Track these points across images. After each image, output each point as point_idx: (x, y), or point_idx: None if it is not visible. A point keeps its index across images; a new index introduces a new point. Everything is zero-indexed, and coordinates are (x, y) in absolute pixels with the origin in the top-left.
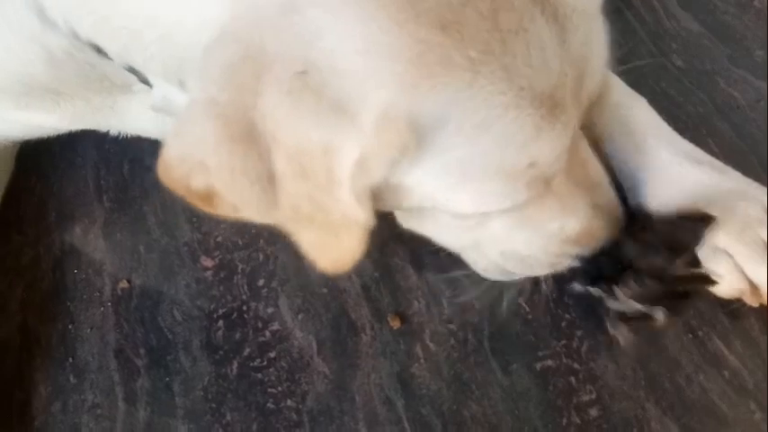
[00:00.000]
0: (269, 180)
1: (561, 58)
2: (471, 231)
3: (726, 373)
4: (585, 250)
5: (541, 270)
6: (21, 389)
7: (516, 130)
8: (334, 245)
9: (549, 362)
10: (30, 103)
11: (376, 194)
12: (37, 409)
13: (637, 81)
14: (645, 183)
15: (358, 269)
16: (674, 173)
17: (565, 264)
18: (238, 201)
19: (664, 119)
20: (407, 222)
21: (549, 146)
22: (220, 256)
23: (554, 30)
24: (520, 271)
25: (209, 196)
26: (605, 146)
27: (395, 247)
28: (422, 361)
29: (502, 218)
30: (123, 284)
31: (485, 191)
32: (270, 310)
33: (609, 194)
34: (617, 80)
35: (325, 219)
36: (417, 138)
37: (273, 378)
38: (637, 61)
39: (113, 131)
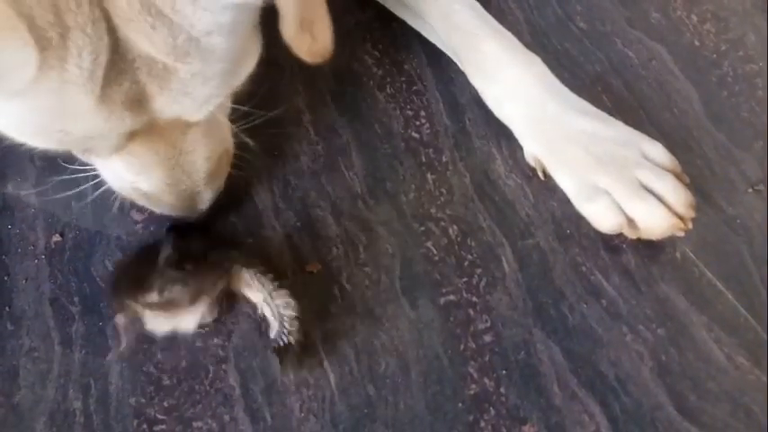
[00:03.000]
0: None
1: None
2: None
3: (604, 301)
4: (162, 209)
5: (133, 199)
6: None
7: (56, 104)
8: None
9: (452, 297)
10: None
11: None
12: None
13: (540, 41)
14: None
15: (282, 219)
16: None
17: (154, 208)
18: None
19: (563, 77)
20: None
21: (83, 127)
22: (149, 211)
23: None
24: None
25: None
26: None
27: (316, 198)
28: (339, 300)
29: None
30: (56, 238)
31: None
32: None
33: (193, 190)
34: None
35: None
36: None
37: None
38: (542, 25)
39: None
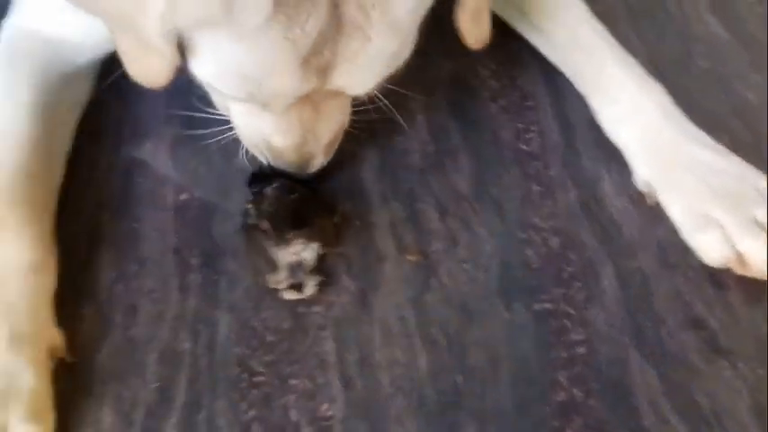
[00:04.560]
0: None
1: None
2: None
3: (704, 333)
4: (276, 162)
5: (252, 148)
6: (90, 271)
7: (269, 57)
8: (144, 61)
9: (548, 305)
10: None
11: (185, 45)
12: (103, 288)
13: (661, 76)
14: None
15: (388, 208)
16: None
17: (260, 157)
18: None
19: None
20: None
21: (279, 83)
22: None
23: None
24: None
25: None
26: None
27: (422, 193)
28: (435, 291)
29: (249, 107)
30: (184, 196)
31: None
32: None
33: (312, 152)
34: None
35: (137, 35)
36: (224, 12)
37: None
38: (663, 59)
39: None
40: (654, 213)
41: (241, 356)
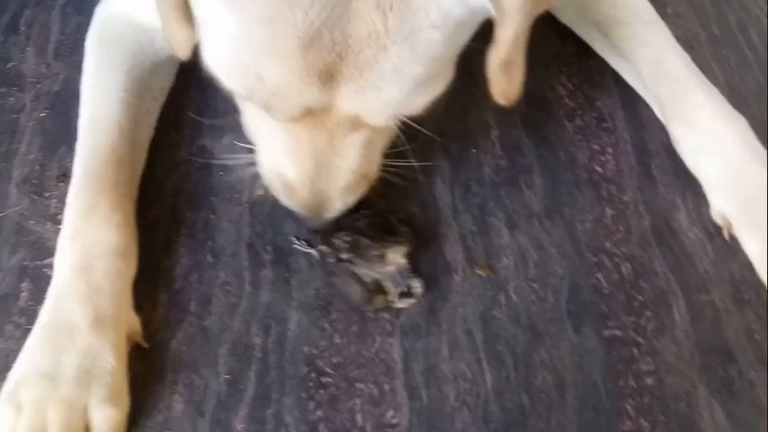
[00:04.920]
0: None
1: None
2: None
3: None
4: (292, 204)
5: (269, 183)
6: (167, 258)
7: (267, 39)
8: (170, 29)
9: (617, 332)
10: None
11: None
12: (178, 276)
13: (738, 105)
14: None
15: (459, 221)
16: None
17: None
18: None
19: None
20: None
21: (277, 75)
22: None
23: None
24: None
25: None
26: None
27: (494, 208)
28: (503, 307)
29: (260, 115)
30: (260, 192)
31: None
32: None
33: (327, 194)
34: None
35: (163, 13)
36: None
37: None
38: (744, 90)
39: None
40: (729, 248)
41: (310, 356)
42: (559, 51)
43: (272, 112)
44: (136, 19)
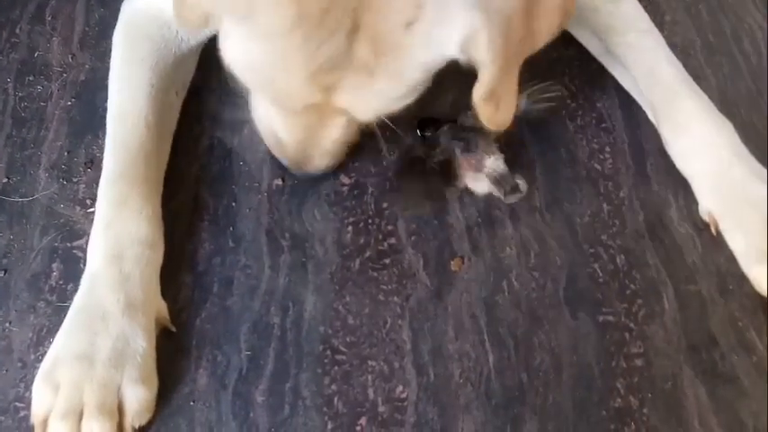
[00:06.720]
0: None
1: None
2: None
3: (754, 357)
4: (281, 157)
5: (264, 137)
6: (190, 242)
7: (280, 62)
8: (181, 10)
9: (611, 317)
10: None
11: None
12: (201, 259)
13: (729, 110)
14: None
15: (465, 213)
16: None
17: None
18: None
19: (748, 147)
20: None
21: (286, 88)
22: (356, 177)
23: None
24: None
25: None
26: None
27: (498, 201)
28: (506, 293)
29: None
30: (278, 182)
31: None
32: (389, 227)
33: (310, 154)
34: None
35: None
36: (247, 10)
37: (386, 279)
38: (735, 96)
39: None
40: (715, 242)
41: (325, 335)
42: (562, 54)
43: (276, 105)
44: (161, 13)
